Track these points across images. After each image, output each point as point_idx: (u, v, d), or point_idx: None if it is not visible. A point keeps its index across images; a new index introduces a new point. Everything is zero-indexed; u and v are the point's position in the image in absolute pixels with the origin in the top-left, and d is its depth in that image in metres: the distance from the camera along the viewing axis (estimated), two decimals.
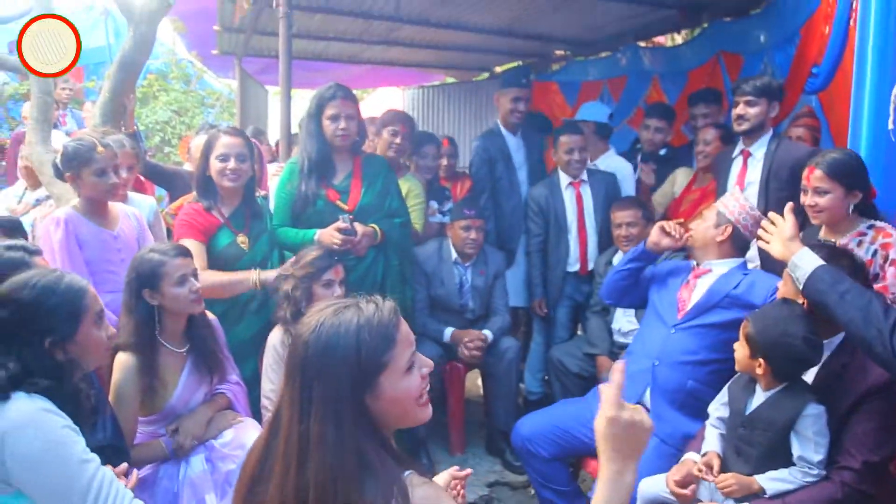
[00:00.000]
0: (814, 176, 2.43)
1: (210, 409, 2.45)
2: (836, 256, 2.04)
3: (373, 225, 3.06)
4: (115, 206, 2.94)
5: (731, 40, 4.70)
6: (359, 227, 2.96)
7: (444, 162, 4.33)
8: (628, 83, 5.85)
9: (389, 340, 1.23)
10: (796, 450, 1.97)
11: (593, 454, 2.70)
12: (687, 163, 4.08)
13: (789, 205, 2.13)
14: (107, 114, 3.72)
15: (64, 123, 5.95)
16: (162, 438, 2.34)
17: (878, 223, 2.42)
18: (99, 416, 2.07)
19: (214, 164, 2.88)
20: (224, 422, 2.44)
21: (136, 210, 3.08)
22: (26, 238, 3.28)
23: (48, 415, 1.57)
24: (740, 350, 2.11)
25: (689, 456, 2.25)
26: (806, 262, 1.92)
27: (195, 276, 2.39)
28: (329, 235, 2.92)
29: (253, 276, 2.82)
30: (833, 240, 2.45)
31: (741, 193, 2.83)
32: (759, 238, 2.19)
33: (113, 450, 2.12)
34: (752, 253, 3.13)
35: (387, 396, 1.23)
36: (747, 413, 2.09)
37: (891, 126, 2.29)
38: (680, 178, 3.94)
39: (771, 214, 2.18)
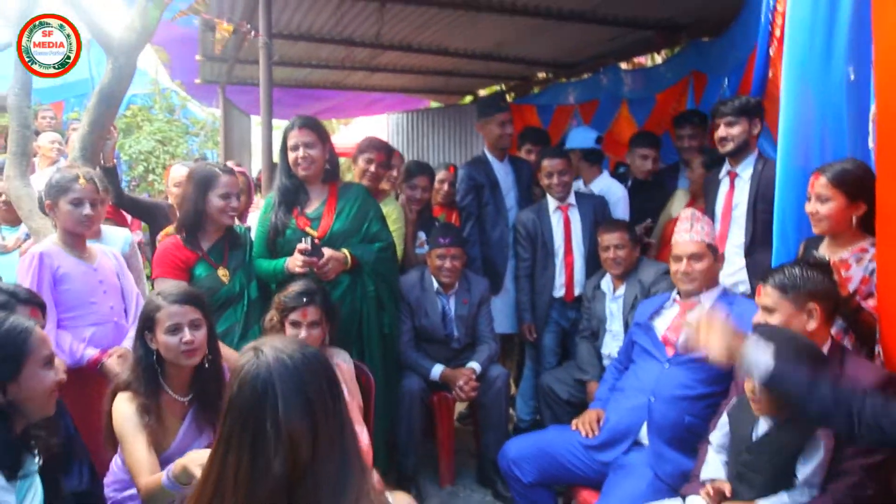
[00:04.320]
0: (818, 182, 2.38)
1: None
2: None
3: (344, 250, 3.02)
4: (92, 245, 2.92)
5: (704, 60, 4.78)
6: (327, 251, 2.92)
7: (446, 188, 4.27)
8: (599, 107, 5.94)
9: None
10: (802, 474, 1.93)
11: (582, 483, 2.73)
12: (673, 184, 4.11)
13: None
14: (86, 147, 3.67)
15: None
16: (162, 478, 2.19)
17: None
18: (74, 464, 2.01)
19: (215, 202, 2.87)
20: None
21: (114, 249, 3.05)
22: None
23: None
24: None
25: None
26: (759, 357, 1.75)
27: (195, 325, 2.21)
28: (293, 260, 2.89)
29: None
30: (833, 253, 2.41)
31: (692, 213, 2.82)
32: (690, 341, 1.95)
33: (89, 497, 2.07)
34: (740, 277, 3.12)
35: None
36: (754, 439, 2.04)
37: (871, 145, 2.27)
38: (677, 201, 3.94)
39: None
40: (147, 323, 2.20)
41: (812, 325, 2.07)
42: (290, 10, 5.00)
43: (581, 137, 4.32)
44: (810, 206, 2.42)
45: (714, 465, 2.18)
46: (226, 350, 2.68)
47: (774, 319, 2.10)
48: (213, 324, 2.35)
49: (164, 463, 2.19)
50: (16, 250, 4.09)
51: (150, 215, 4.17)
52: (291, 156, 3.03)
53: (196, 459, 1.89)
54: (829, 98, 2.47)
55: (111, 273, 2.88)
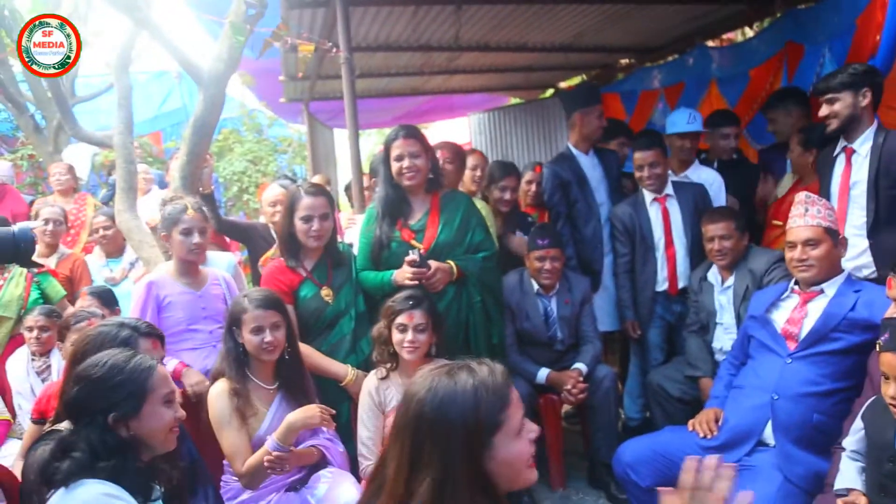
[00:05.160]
0: None
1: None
2: None
3: (450, 261, 2.99)
4: (205, 270, 3.10)
5: (800, 29, 4.47)
6: (433, 263, 2.91)
7: (534, 189, 4.18)
8: (685, 90, 5.66)
9: (504, 400, 1.24)
10: None
11: None
12: (781, 165, 3.89)
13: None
14: (185, 176, 3.82)
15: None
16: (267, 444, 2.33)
17: None
18: (199, 488, 2.10)
19: (298, 225, 2.93)
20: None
21: (227, 275, 3.19)
22: (117, 306, 3.45)
23: (111, 500, 1.56)
24: None
25: None
26: None
27: (276, 327, 2.49)
28: (401, 273, 2.89)
29: (350, 374, 2.89)
30: None
31: (807, 196, 2.63)
32: None
33: None
34: (863, 260, 2.89)
35: (500, 458, 1.23)
36: None
37: None
38: (783, 182, 3.75)
39: None
40: (235, 321, 2.50)
41: None
42: (367, 22, 5.05)
43: (682, 120, 4.00)
44: None
45: (850, 474, 2.03)
46: (316, 356, 2.89)
47: None
48: (292, 322, 2.65)
49: (258, 442, 2.42)
50: (123, 280, 4.33)
51: (247, 237, 4.31)
52: (395, 166, 3.01)
53: (294, 422, 2.30)
54: None
55: (216, 299, 3.01)
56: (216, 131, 8.60)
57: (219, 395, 2.44)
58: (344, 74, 4.03)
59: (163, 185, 6.20)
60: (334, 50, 4.01)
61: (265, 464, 2.27)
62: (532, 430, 1.29)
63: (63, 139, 7.44)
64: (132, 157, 4.30)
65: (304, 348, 2.84)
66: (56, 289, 3.75)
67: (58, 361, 3.21)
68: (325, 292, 2.97)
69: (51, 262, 4.22)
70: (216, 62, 3.78)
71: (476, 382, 1.23)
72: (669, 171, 3.83)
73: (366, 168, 4.67)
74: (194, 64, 3.85)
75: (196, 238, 2.90)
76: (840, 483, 2.04)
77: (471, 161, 4.13)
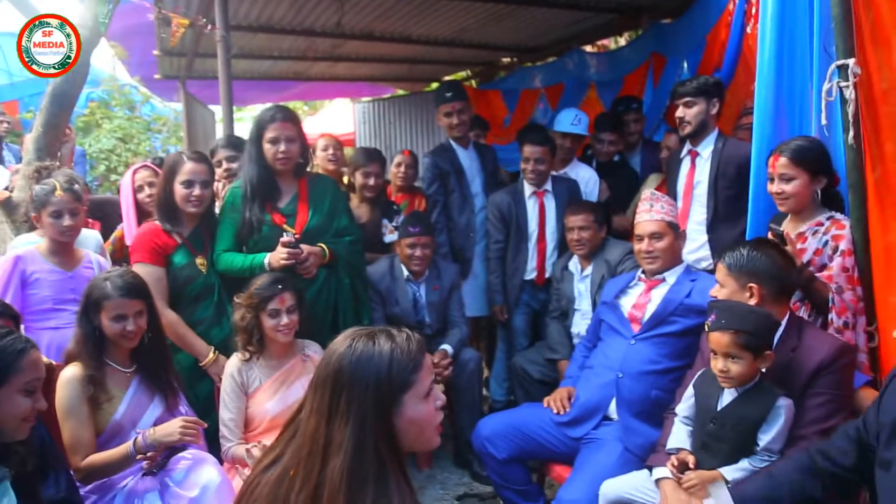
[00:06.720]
0: (779, 163, 2.43)
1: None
2: None
3: (321, 244, 3.02)
4: (80, 251, 3.02)
5: (663, 42, 4.85)
6: (305, 246, 2.92)
7: (403, 171, 4.27)
8: (565, 91, 5.97)
9: (417, 364, 1.33)
10: (763, 441, 2.02)
11: (554, 459, 2.79)
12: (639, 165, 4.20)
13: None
14: (41, 148, 3.60)
15: None
16: (130, 441, 2.26)
17: (837, 215, 2.43)
18: (50, 473, 2.00)
19: (178, 190, 2.89)
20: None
21: (101, 258, 3.12)
22: None
23: None
24: (740, 364, 2.02)
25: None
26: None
27: (140, 315, 2.36)
28: (275, 255, 2.89)
29: (211, 356, 2.88)
30: (794, 228, 2.48)
31: (652, 193, 2.87)
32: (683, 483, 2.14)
33: None
34: (703, 253, 3.19)
35: (407, 416, 1.31)
36: (718, 409, 2.11)
37: (824, 122, 2.32)
38: (650, 183, 3.97)
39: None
40: (93, 306, 2.33)
41: (752, 302, 2.14)
42: (247, 1, 4.94)
43: (567, 120, 4.16)
44: (775, 187, 2.47)
45: (680, 436, 2.25)
46: (183, 328, 2.87)
47: (722, 294, 2.22)
48: (153, 306, 2.48)
49: (113, 428, 2.34)
50: None
51: (103, 211, 4.10)
52: (270, 149, 2.97)
53: (162, 433, 2.22)
54: (807, 74, 2.49)
55: (86, 282, 2.86)
56: (82, 104, 8.10)
57: (69, 382, 2.28)
58: (220, 53, 3.94)
59: (19, 158, 5.77)
60: (209, 27, 3.90)
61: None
62: (439, 397, 1.39)
63: None
64: None
65: (172, 317, 2.83)
66: None
67: None
68: (200, 261, 2.95)
69: None
70: (80, 29, 3.58)
71: (393, 345, 1.32)
72: None
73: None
74: None
75: (67, 220, 2.84)
76: (671, 443, 2.26)
77: (322, 143, 4.22)
